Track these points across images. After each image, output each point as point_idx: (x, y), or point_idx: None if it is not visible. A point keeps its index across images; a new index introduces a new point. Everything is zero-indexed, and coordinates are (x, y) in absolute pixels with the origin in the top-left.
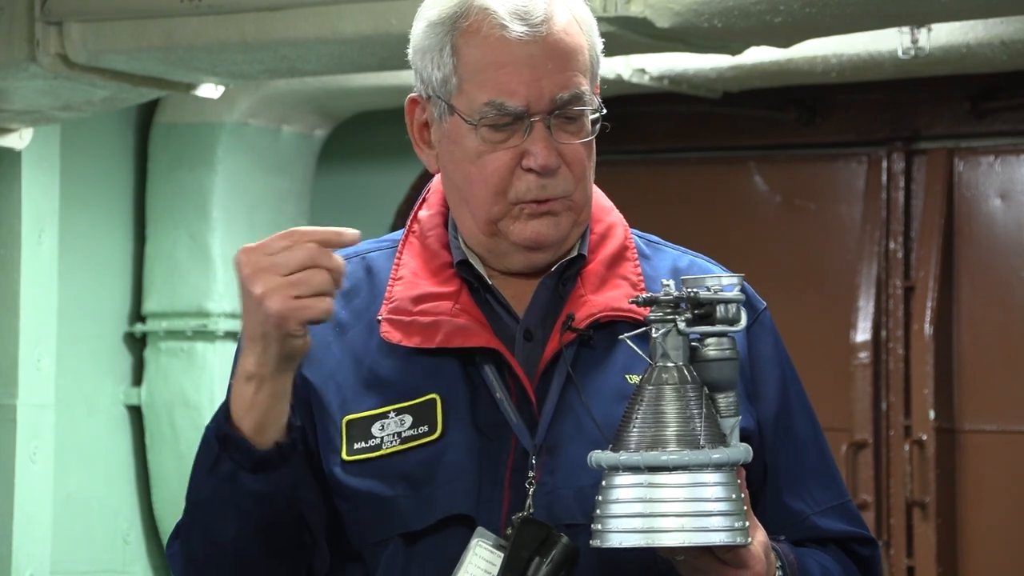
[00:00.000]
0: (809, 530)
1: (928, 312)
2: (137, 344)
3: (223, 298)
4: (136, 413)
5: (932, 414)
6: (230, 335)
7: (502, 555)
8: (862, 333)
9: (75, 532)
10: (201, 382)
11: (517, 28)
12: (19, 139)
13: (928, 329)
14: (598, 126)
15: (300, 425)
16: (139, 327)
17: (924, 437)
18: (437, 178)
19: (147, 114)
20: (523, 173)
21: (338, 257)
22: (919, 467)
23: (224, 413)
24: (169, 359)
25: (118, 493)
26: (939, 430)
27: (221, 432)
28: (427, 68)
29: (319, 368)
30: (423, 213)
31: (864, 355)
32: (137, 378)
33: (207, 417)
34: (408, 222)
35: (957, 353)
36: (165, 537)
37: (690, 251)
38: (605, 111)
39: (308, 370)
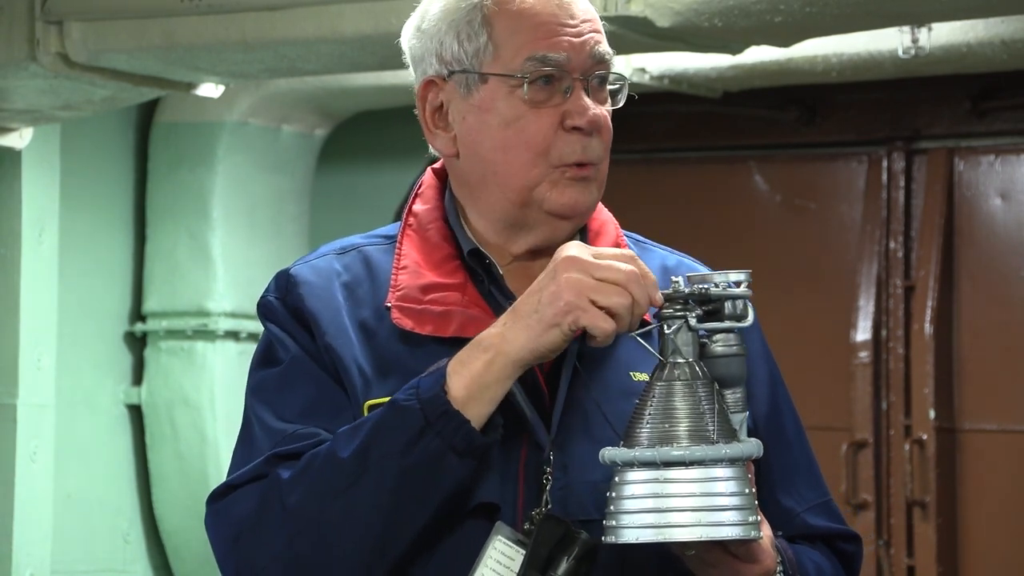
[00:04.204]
0: (799, 527)
1: (928, 312)
2: (137, 343)
3: (223, 298)
4: (136, 412)
5: (932, 414)
6: (230, 335)
7: (521, 550)
8: (862, 333)
9: (75, 532)
10: (201, 382)
11: None
12: (19, 139)
13: (928, 329)
14: (622, 96)
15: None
16: (139, 326)
17: (924, 437)
18: (429, 172)
19: (147, 114)
20: (565, 134)
21: (645, 299)
22: (919, 467)
23: (428, 388)
24: (169, 358)
25: (118, 493)
26: (939, 430)
27: (437, 408)
28: (450, 45)
29: (343, 348)
30: (419, 206)
31: (864, 355)
32: (137, 377)
33: (207, 417)
34: (404, 216)
35: (957, 353)
36: (165, 536)
37: (676, 251)
38: (628, 79)
39: (336, 342)
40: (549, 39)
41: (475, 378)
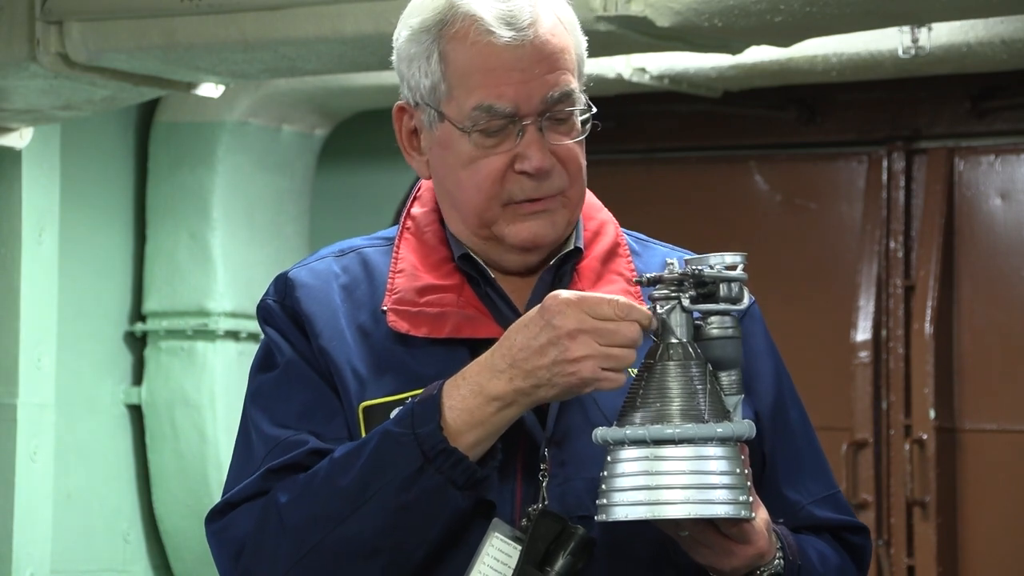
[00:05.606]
0: (805, 519)
1: (928, 311)
2: (137, 343)
3: (223, 297)
4: (136, 412)
5: (932, 413)
6: (230, 334)
7: (517, 546)
8: (862, 332)
9: (75, 531)
10: (201, 381)
11: (505, 34)
12: (19, 138)
13: (928, 328)
14: (588, 125)
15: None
16: (139, 326)
17: (924, 436)
18: None
19: (147, 114)
20: (515, 176)
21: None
22: (919, 466)
23: (423, 420)
24: (169, 358)
25: (118, 492)
26: (939, 429)
27: (435, 445)
28: (415, 76)
29: (337, 351)
30: (416, 210)
31: (864, 354)
32: (137, 377)
33: (207, 416)
34: (402, 219)
35: (957, 353)
36: (165, 536)
37: (678, 248)
38: (595, 110)
39: (331, 344)
40: (497, 87)
41: (482, 423)
